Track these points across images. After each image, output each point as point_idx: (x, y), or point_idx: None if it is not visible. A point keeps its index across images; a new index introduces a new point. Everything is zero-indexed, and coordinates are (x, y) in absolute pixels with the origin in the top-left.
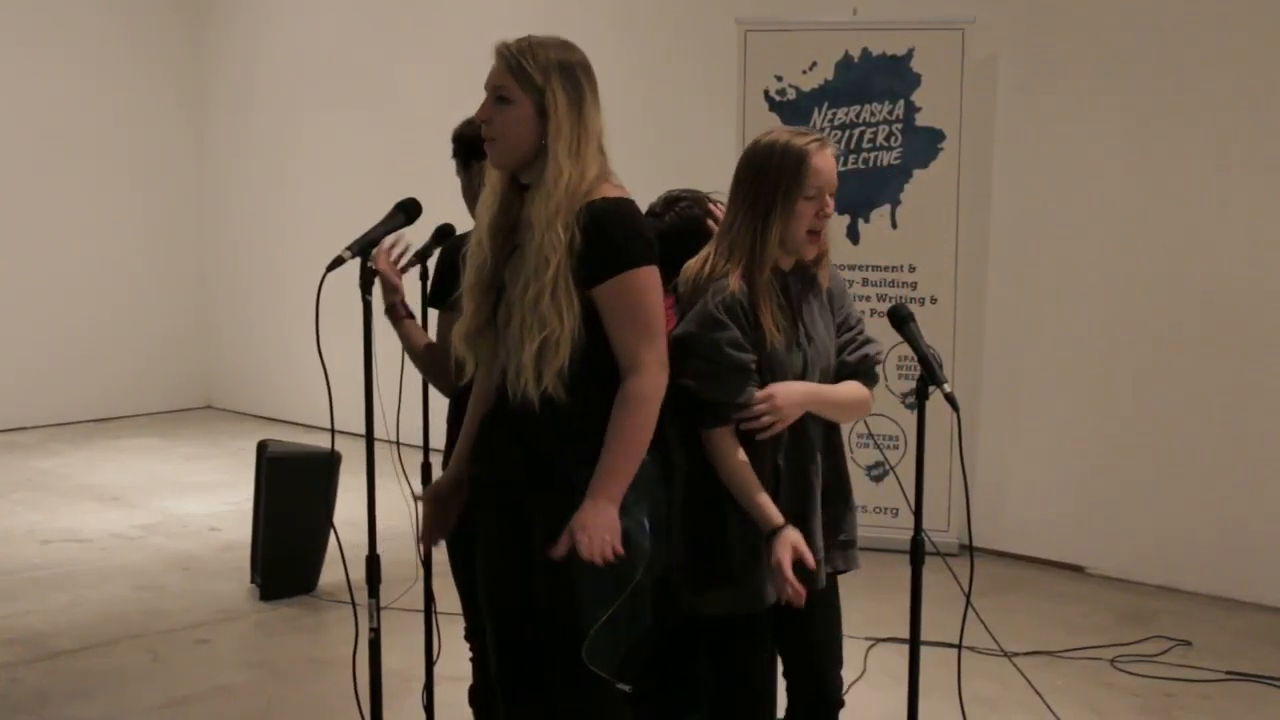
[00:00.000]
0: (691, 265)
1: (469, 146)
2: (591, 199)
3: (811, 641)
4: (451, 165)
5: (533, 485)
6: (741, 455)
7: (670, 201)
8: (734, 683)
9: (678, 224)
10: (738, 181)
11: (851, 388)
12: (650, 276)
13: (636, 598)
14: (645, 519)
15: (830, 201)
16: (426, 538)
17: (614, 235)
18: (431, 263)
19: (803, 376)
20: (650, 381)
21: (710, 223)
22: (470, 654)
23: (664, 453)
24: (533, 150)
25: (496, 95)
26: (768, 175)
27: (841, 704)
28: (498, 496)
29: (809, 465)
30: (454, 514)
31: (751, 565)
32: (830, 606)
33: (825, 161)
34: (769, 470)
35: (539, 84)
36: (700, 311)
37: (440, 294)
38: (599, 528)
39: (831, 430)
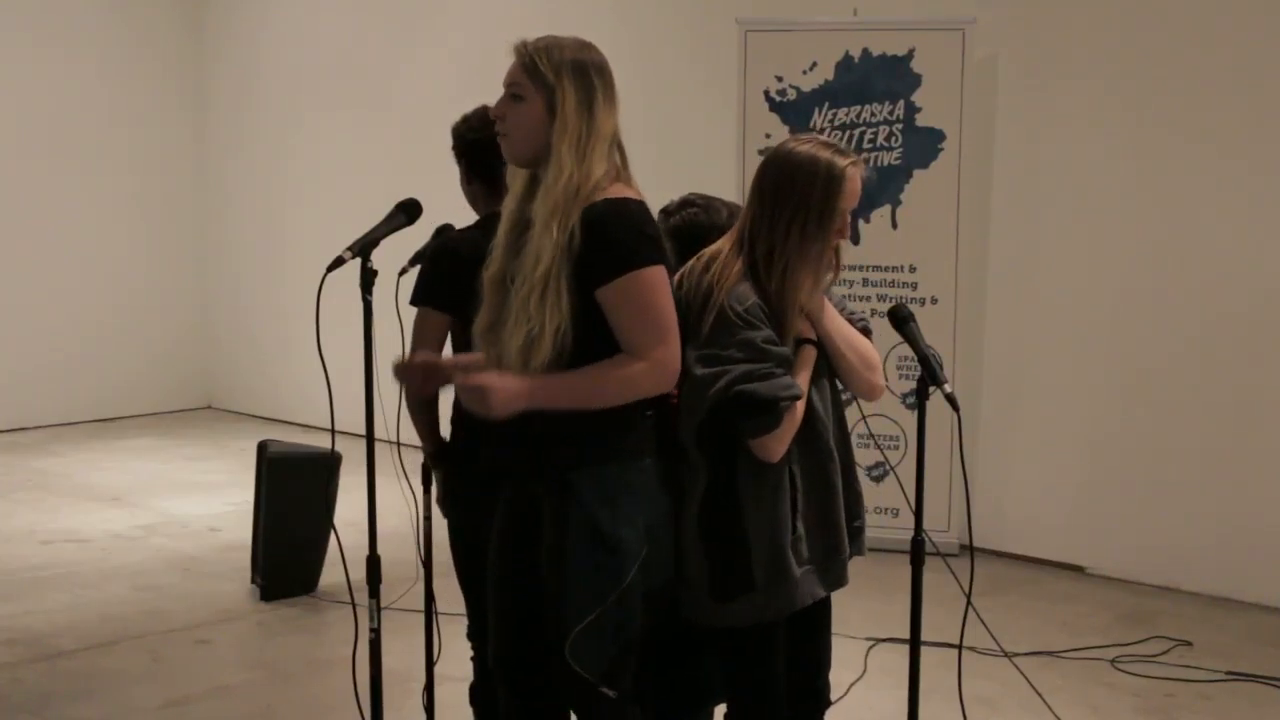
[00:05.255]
0: (696, 267)
1: (466, 142)
2: (593, 200)
3: (807, 643)
4: (453, 162)
5: (533, 483)
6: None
7: (685, 204)
8: (750, 690)
9: (680, 226)
10: (773, 189)
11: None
12: (657, 275)
13: (626, 602)
14: (642, 524)
15: (848, 219)
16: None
17: (616, 236)
18: None
19: (819, 375)
20: (649, 371)
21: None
22: (472, 653)
23: (667, 463)
24: (541, 148)
25: (510, 92)
26: (808, 183)
27: (829, 703)
28: (503, 490)
29: (828, 464)
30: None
31: (774, 575)
32: (827, 609)
33: (857, 182)
34: (785, 479)
35: (550, 82)
36: (726, 321)
37: (421, 293)
38: (491, 392)
39: (841, 416)
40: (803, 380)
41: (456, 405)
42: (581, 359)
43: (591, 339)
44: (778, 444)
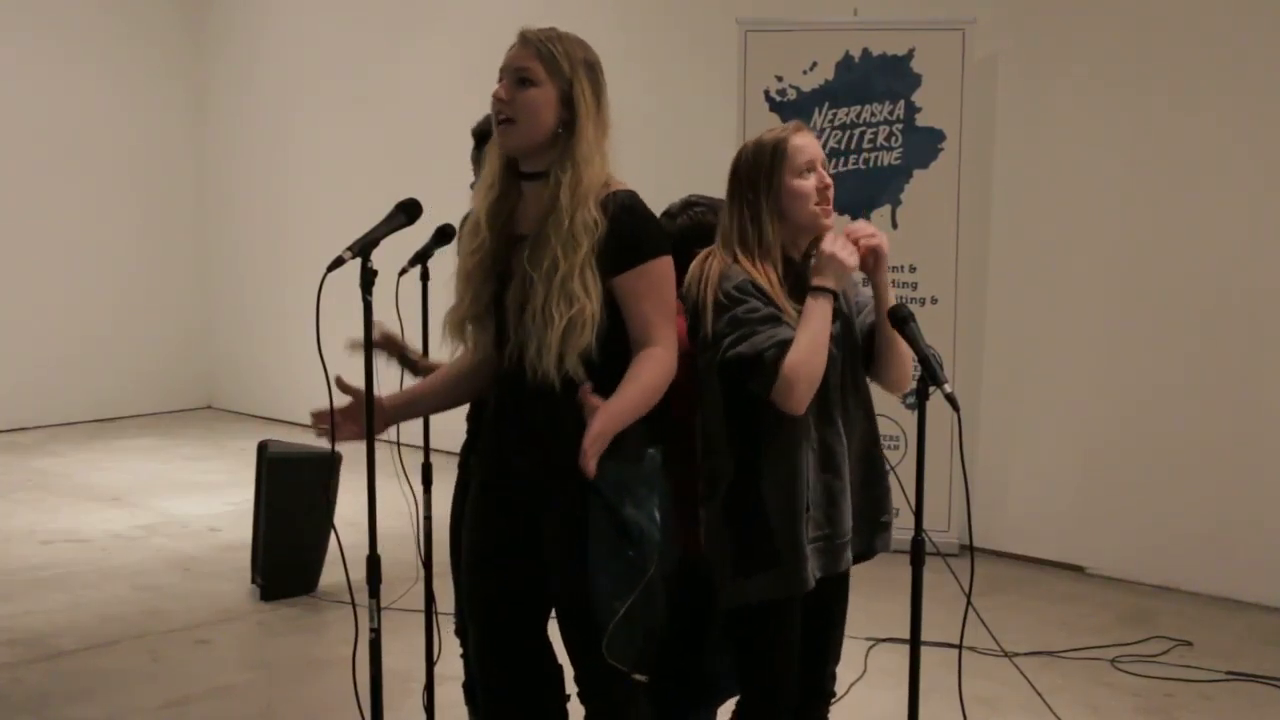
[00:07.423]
0: (695, 265)
1: (486, 141)
2: (611, 189)
3: (817, 632)
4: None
5: (546, 485)
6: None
7: (688, 205)
8: (758, 666)
9: (688, 227)
10: (728, 190)
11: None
12: (670, 265)
13: (650, 590)
14: (656, 512)
15: (824, 173)
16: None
17: (642, 224)
18: (432, 264)
19: (847, 363)
20: (669, 355)
21: None
22: (461, 650)
23: (674, 447)
24: (546, 137)
25: (519, 77)
26: (752, 168)
27: (833, 694)
28: (504, 493)
29: (836, 447)
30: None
31: (794, 549)
32: (843, 600)
33: (804, 138)
34: (802, 458)
35: (566, 73)
36: (715, 303)
37: None
38: (604, 440)
39: (869, 409)
40: (812, 330)
41: (473, 408)
42: (609, 347)
43: (614, 325)
44: (790, 392)
